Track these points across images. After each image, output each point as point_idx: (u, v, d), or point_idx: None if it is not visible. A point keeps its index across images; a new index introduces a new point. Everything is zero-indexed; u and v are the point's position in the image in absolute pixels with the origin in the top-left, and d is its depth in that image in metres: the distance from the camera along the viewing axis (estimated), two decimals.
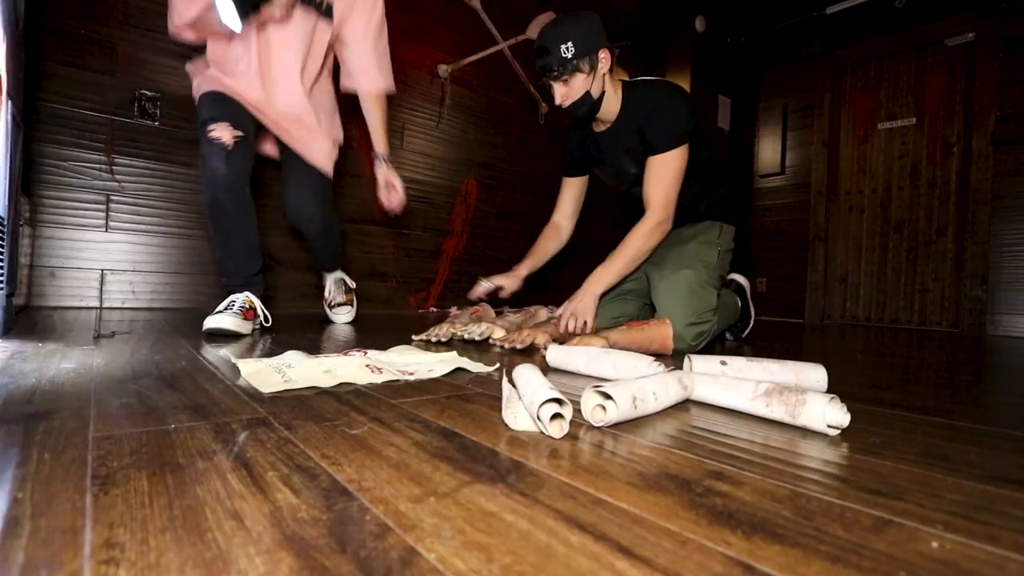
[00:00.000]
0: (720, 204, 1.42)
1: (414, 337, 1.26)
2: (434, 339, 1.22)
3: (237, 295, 1.29)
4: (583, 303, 1.21)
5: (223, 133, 1.23)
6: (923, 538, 0.30)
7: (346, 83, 1.51)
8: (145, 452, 0.40)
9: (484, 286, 1.47)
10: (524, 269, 1.50)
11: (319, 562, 0.25)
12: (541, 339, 1.16)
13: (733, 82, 3.57)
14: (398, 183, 1.53)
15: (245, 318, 1.23)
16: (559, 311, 1.26)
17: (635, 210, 1.47)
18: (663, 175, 1.24)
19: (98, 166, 1.72)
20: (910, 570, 0.27)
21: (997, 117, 2.72)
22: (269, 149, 1.56)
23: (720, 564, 0.27)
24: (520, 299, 1.73)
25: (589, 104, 1.25)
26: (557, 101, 1.25)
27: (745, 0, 3.37)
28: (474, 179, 2.73)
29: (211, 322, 1.16)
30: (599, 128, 1.37)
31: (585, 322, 1.20)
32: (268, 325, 1.35)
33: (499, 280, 1.48)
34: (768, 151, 3.64)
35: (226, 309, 1.22)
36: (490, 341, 1.24)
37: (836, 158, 3.40)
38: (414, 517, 0.30)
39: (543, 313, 1.53)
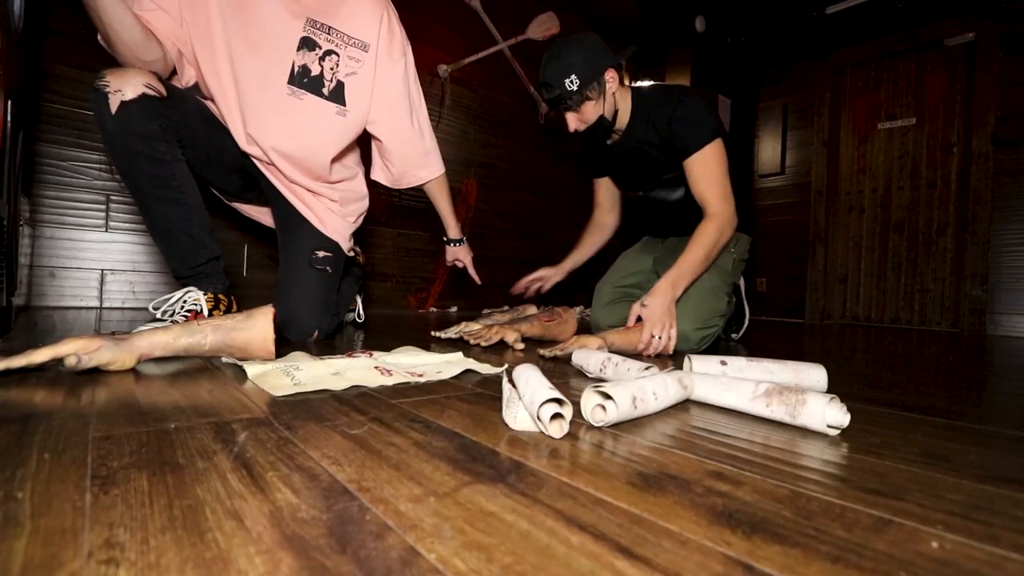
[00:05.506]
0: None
1: (439, 334, 1.25)
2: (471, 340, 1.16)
3: (185, 292, 1.11)
4: (664, 309, 1.11)
5: (116, 79, 0.96)
6: (923, 538, 0.30)
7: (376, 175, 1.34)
8: (145, 452, 0.40)
9: (525, 281, 1.53)
10: (569, 263, 1.54)
11: (319, 562, 0.25)
12: (510, 336, 1.14)
13: (733, 82, 3.57)
14: (467, 261, 1.50)
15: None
16: (550, 355, 1.00)
17: (657, 215, 1.48)
18: (706, 170, 1.20)
19: (98, 166, 1.72)
20: (910, 570, 0.27)
21: (997, 117, 2.72)
22: (262, 217, 1.39)
23: (720, 564, 0.27)
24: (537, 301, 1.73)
25: (604, 127, 1.25)
26: (571, 129, 1.24)
27: (745, 0, 3.37)
28: (474, 179, 2.73)
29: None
30: (611, 140, 1.37)
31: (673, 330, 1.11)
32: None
33: (543, 272, 1.52)
34: (768, 151, 3.64)
35: (161, 318, 1.07)
36: (463, 338, 1.20)
37: (836, 158, 3.40)
38: (414, 517, 0.30)
39: (531, 310, 1.52)
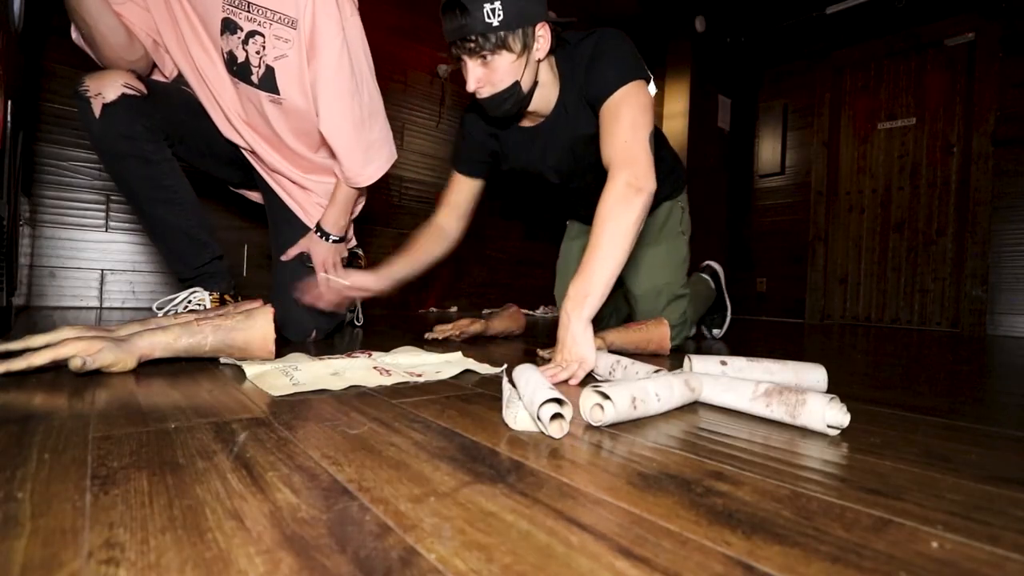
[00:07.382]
0: (667, 178, 1.25)
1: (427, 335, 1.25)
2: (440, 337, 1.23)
3: (191, 292, 1.08)
4: (575, 343, 0.76)
5: (96, 83, 0.95)
6: (923, 538, 0.30)
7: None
8: (145, 452, 0.40)
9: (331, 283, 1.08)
10: (397, 270, 1.10)
11: (319, 562, 0.25)
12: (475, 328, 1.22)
13: (733, 82, 3.57)
14: (319, 261, 1.13)
15: None
16: (549, 356, 0.88)
17: (584, 203, 1.20)
18: (617, 119, 0.87)
19: (98, 166, 1.72)
20: (910, 570, 0.27)
21: (997, 117, 2.72)
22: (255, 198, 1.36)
23: (720, 564, 0.27)
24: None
25: (515, 100, 0.92)
26: (470, 87, 0.90)
27: (745, 0, 3.37)
28: None
29: None
30: (531, 122, 1.07)
31: (585, 362, 0.75)
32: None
33: (358, 278, 1.08)
34: (768, 151, 3.64)
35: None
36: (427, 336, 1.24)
37: (836, 158, 3.40)
38: (414, 517, 0.30)
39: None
